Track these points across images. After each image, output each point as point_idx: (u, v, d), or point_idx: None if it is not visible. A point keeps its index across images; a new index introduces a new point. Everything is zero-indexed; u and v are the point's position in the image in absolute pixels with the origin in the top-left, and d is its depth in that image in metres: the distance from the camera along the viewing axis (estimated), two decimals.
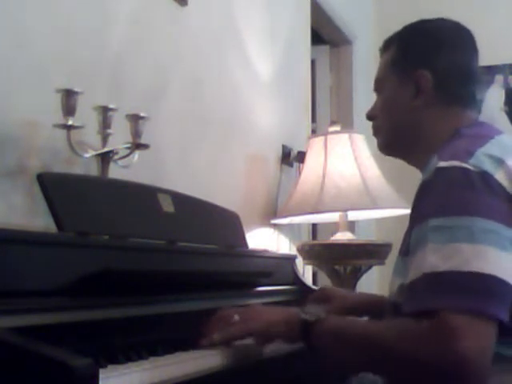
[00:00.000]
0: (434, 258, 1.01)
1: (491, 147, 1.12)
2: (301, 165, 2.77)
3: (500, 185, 1.05)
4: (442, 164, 1.09)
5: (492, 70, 4.22)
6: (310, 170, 2.57)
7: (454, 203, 1.04)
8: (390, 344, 1.02)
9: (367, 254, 2.50)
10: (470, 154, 1.09)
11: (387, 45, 1.37)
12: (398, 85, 1.31)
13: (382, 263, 2.55)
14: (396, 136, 1.34)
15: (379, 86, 1.37)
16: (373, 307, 1.51)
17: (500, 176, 1.06)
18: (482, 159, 1.08)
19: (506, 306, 0.99)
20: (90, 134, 1.52)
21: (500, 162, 1.09)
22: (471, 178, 1.05)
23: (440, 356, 0.95)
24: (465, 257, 0.99)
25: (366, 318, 1.61)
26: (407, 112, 1.30)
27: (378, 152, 1.42)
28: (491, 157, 1.09)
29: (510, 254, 1.01)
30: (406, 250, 1.15)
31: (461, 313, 0.96)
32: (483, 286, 0.98)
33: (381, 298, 1.50)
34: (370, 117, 1.39)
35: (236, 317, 1.18)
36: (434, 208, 1.06)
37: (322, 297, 1.57)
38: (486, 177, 1.05)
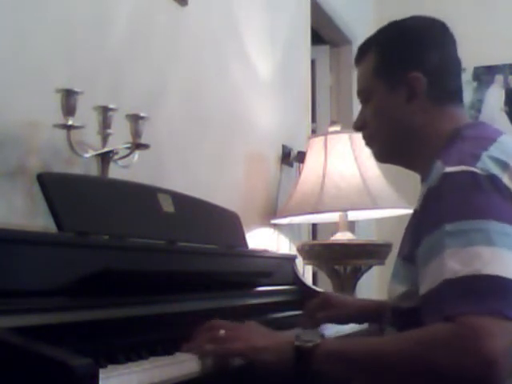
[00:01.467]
0: (454, 263, 1.00)
1: (495, 150, 1.11)
2: (301, 165, 2.77)
3: (508, 188, 1.05)
4: (450, 169, 1.08)
5: (492, 70, 4.22)
6: (310, 170, 2.57)
7: (467, 207, 1.04)
8: (410, 357, 1.00)
9: (367, 253, 2.50)
10: (476, 157, 1.08)
11: (363, 53, 1.32)
12: (388, 91, 1.27)
13: (382, 263, 2.55)
14: (394, 144, 1.30)
15: (365, 96, 1.32)
16: (376, 314, 1.48)
17: (506, 179, 1.06)
18: (488, 162, 1.07)
19: None
20: (90, 134, 1.52)
21: (505, 165, 1.08)
22: (481, 182, 1.04)
23: (465, 358, 0.94)
24: (484, 260, 0.99)
25: (365, 325, 1.60)
26: (403, 117, 1.26)
27: None
28: (496, 160, 1.08)
29: None
30: (408, 255, 1.14)
31: (483, 315, 0.95)
32: (502, 288, 0.98)
33: (383, 304, 1.49)
34: (357, 128, 1.35)
35: (222, 331, 1.10)
36: (447, 213, 1.05)
37: (323, 303, 1.55)
38: (494, 180, 1.05)
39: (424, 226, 1.10)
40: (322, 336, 1.12)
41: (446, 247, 1.02)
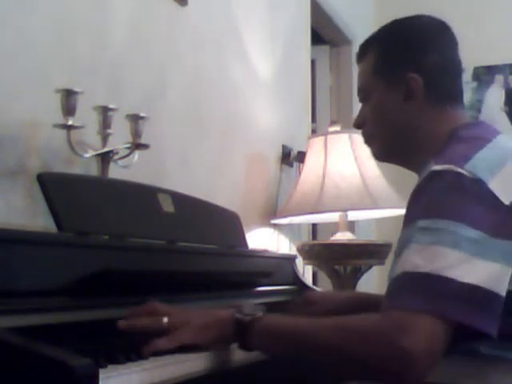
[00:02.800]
0: (416, 258, 1.01)
1: (490, 151, 1.10)
2: (301, 165, 2.77)
3: (493, 194, 1.04)
4: (437, 167, 1.07)
5: (492, 70, 4.22)
6: (310, 170, 2.57)
7: (442, 206, 1.03)
8: (332, 339, 1.02)
9: (367, 253, 2.50)
10: (466, 158, 1.07)
11: (364, 51, 1.33)
12: (387, 91, 1.27)
13: (381, 263, 2.55)
14: (392, 143, 1.30)
15: (364, 94, 1.33)
16: (363, 306, 1.47)
17: (495, 184, 1.04)
18: (478, 165, 1.06)
19: (487, 313, 0.98)
20: (90, 134, 1.52)
21: (498, 167, 1.07)
22: (464, 184, 1.04)
23: (383, 350, 0.95)
24: (447, 262, 0.99)
25: None
26: (400, 117, 1.26)
27: None
28: (489, 162, 1.07)
29: (495, 263, 1.00)
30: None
31: (420, 312, 0.96)
32: (458, 292, 0.97)
33: (369, 296, 1.48)
34: (357, 125, 1.35)
35: (165, 320, 1.08)
36: (423, 209, 1.05)
37: (306, 303, 1.53)
38: (479, 184, 1.04)
39: (404, 220, 1.11)
40: (264, 311, 1.12)
41: (412, 242, 1.03)
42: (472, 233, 1.00)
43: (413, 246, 1.03)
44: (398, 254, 1.06)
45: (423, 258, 1.00)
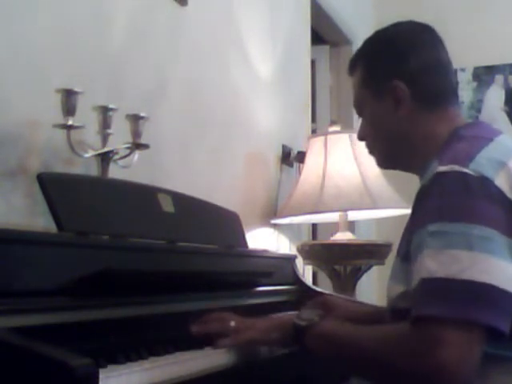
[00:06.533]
0: (431, 264, 1.01)
1: (492, 150, 1.11)
2: (301, 165, 2.77)
3: (500, 191, 1.04)
4: (442, 168, 1.08)
5: (492, 70, 4.22)
6: (310, 170, 2.57)
7: (452, 209, 1.04)
8: (373, 349, 1.06)
9: (367, 253, 2.50)
10: (470, 157, 1.07)
11: (353, 67, 1.37)
12: (376, 102, 1.29)
13: (382, 263, 2.55)
14: (391, 151, 1.32)
15: (359, 108, 1.36)
16: (377, 319, 1.49)
17: (500, 181, 1.05)
18: (482, 163, 1.06)
19: (504, 313, 0.99)
20: (89, 134, 1.52)
21: (501, 165, 1.07)
22: (470, 184, 1.04)
23: (419, 363, 0.97)
24: (462, 265, 0.99)
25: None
26: (395, 126, 1.27)
27: None
28: (492, 160, 1.07)
29: (507, 262, 1.01)
30: (406, 255, 1.14)
31: (448, 321, 0.97)
32: (477, 294, 0.98)
33: (382, 310, 1.48)
34: (360, 138, 1.38)
35: (232, 323, 1.20)
36: (433, 213, 1.06)
37: (323, 305, 1.54)
38: (485, 182, 1.04)
39: (414, 224, 1.11)
40: (322, 316, 1.19)
41: (425, 247, 1.03)
42: (483, 231, 1.01)
43: (426, 251, 1.03)
44: (413, 259, 1.07)
45: (438, 263, 1.01)
